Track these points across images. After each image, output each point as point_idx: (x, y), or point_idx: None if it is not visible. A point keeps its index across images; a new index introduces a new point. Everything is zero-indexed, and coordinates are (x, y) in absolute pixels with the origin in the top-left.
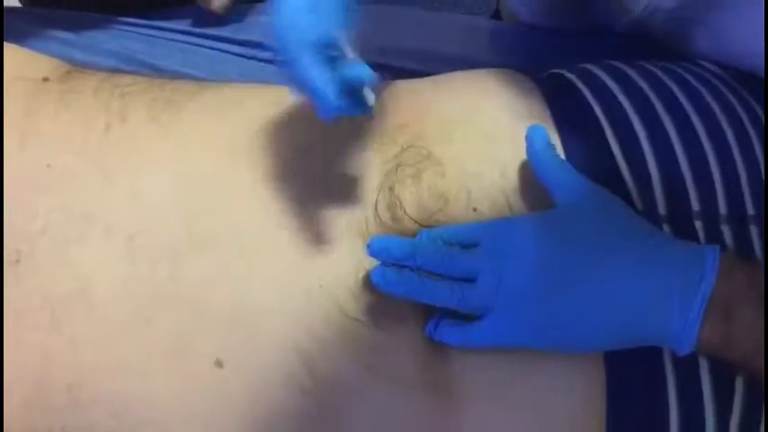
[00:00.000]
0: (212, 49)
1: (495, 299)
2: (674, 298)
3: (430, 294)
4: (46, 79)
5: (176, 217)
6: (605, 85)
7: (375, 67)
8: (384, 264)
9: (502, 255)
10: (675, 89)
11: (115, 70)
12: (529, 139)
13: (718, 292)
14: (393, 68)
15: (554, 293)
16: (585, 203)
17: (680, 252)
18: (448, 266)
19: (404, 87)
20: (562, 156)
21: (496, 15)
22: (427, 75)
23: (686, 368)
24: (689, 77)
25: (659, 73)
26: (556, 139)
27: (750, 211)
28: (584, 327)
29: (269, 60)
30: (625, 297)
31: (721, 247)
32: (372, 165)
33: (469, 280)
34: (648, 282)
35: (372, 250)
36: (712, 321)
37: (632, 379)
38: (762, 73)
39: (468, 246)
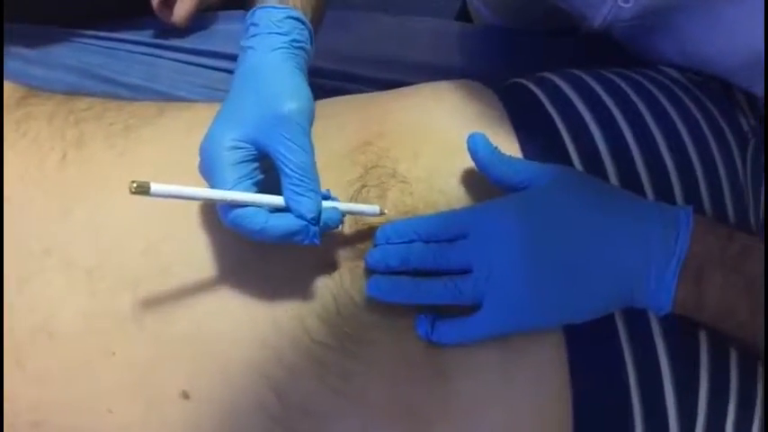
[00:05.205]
0: (175, 60)
1: (488, 286)
2: (652, 258)
3: (425, 295)
4: None
5: (136, 248)
6: (564, 94)
7: (337, 75)
8: (377, 273)
9: (489, 241)
10: (632, 94)
11: (73, 89)
12: (472, 149)
13: (691, 253)
14: (355, 76)
15: (545, 269)
16: (557, 179)
17: (656, 213)
18: (440, 264)
19: (366, 102)
20: None
21: (462, 14)
22: (390, 83)
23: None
24: (645, 82)
25: (616, 79)
26: (516, 149)
27: (708, 211)
28: (578, 297)
29: (231, 71)
30: (612, 262)
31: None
32: (337, 187)
33: (465, 271)
34: (631, 244)
35: (372, 262)
36: (686, 282)
37: (598, 402)
38: (725, 74)
39: (456, 234)
